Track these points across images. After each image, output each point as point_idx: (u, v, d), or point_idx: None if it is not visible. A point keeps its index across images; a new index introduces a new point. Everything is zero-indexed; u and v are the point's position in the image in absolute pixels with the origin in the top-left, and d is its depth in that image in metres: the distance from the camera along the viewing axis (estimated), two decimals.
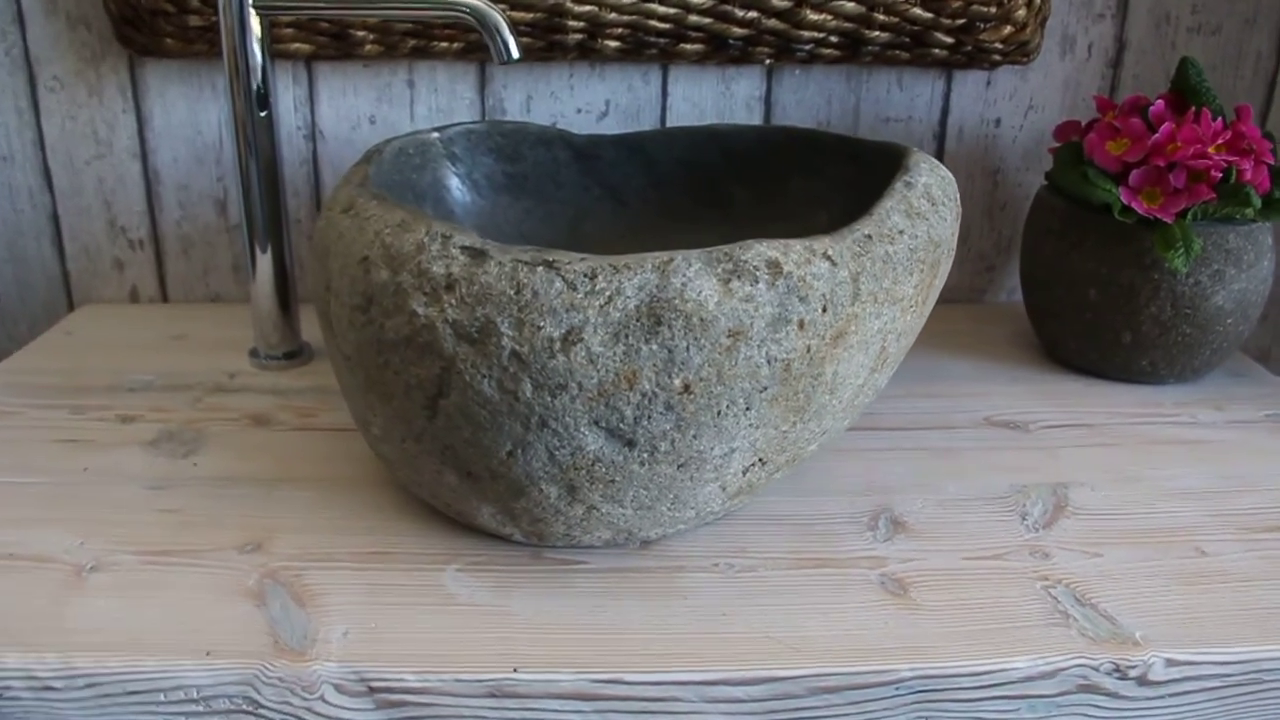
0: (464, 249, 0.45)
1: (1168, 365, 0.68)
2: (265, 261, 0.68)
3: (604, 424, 0.44)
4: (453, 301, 0.44)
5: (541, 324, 0.43)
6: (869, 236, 0.49)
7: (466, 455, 0.47)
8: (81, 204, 0.78)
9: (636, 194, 0.70)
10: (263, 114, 0.66)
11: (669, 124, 0.78)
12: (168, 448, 0.60)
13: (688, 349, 0.43)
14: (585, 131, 0.78)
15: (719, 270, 0.44)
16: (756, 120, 0.78)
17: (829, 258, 0.47)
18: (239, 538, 0.52)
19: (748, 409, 0.46)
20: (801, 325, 0.46)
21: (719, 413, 0.45)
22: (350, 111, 0.77)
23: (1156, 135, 0.63)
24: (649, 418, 0.44)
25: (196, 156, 0.77)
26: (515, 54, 0.60)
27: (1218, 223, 0.64)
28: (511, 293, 0.43)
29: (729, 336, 0.44)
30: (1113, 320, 0.67)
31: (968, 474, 0.59)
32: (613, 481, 0.46)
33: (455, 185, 0.67)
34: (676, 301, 0.43)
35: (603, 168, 0.69)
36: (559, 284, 0.43)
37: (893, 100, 0.78)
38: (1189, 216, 0.63)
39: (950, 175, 0.57)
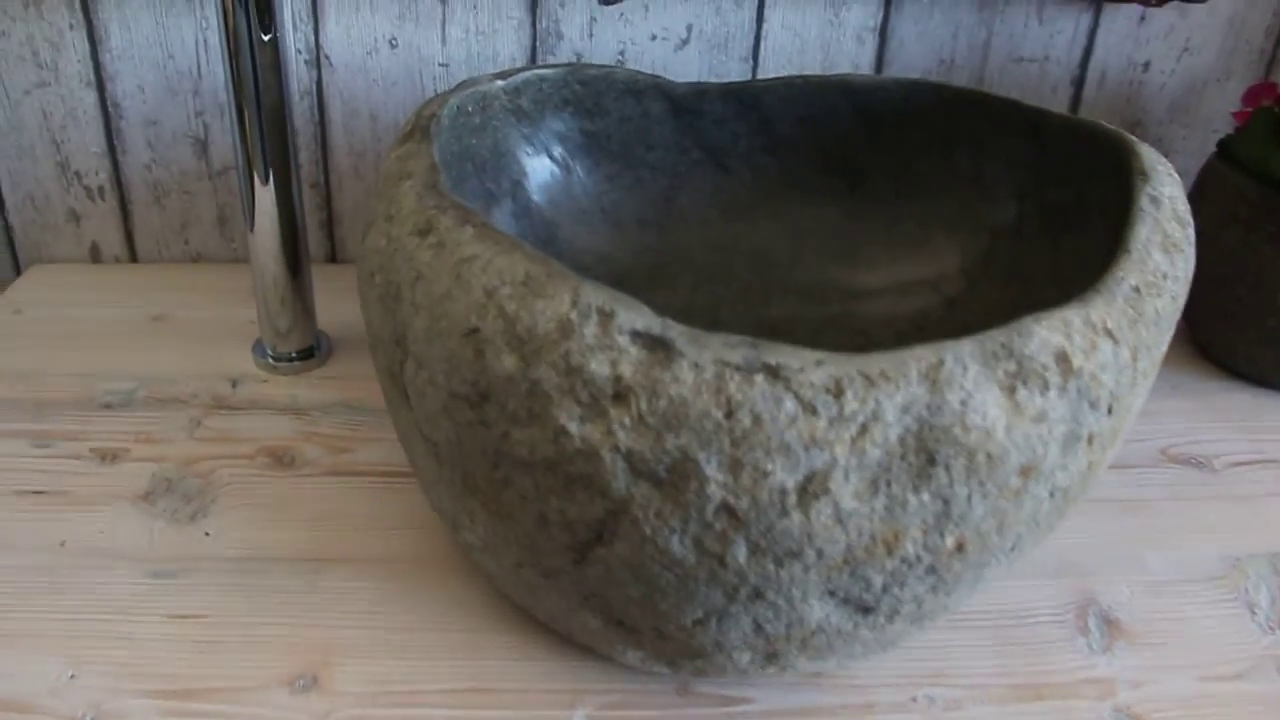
0: (637, 336, 0.31)
1: None
2: (268, 226, 0.53)
3: (841, 594, 0.32)
4: (626, 421, 0.31)
5: (769, 467, 0.30)
6: (1137, 290, 0.37)
7: (625, 610, 0.35)
8: (22, 143, 0.61)
9: (744, 159, 0.56)
10: (267, 37, 0.50)
11: (763, 55, 0.63)
12: (167, 505, 0.47)
13: (969, 498, 0.31)
14: (659, 62, 0.63)
15: (1000, 374, 0.31)
16: (868, 54, 0.64)
17: (1110, 334, 0.34)
18: (287, 665, 0.39)
19: (1013, 550, 0.34)
20: (1090, 441, 0.34)
21: (984, 565, 0.33)
22: (365, 32, 0.60)
23: None
24: (902, 585, 0.32)
25: (168, 86, 0.61)
26: None
27: None
28: (720, 416, 0.30)
29: (1020, 475, 0.32)
30: None
31: (1168, 539, 0.48)
32: (829, 647, 0.34)
33: (523, 150, 0.53)
34: (956, 430, 0.30)
35: (706, 126, 0.55)
36: (791, 406, 0.30)
37: (1029, 36, 0.64)
38: None
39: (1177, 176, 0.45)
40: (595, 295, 0.32)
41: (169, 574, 0.43)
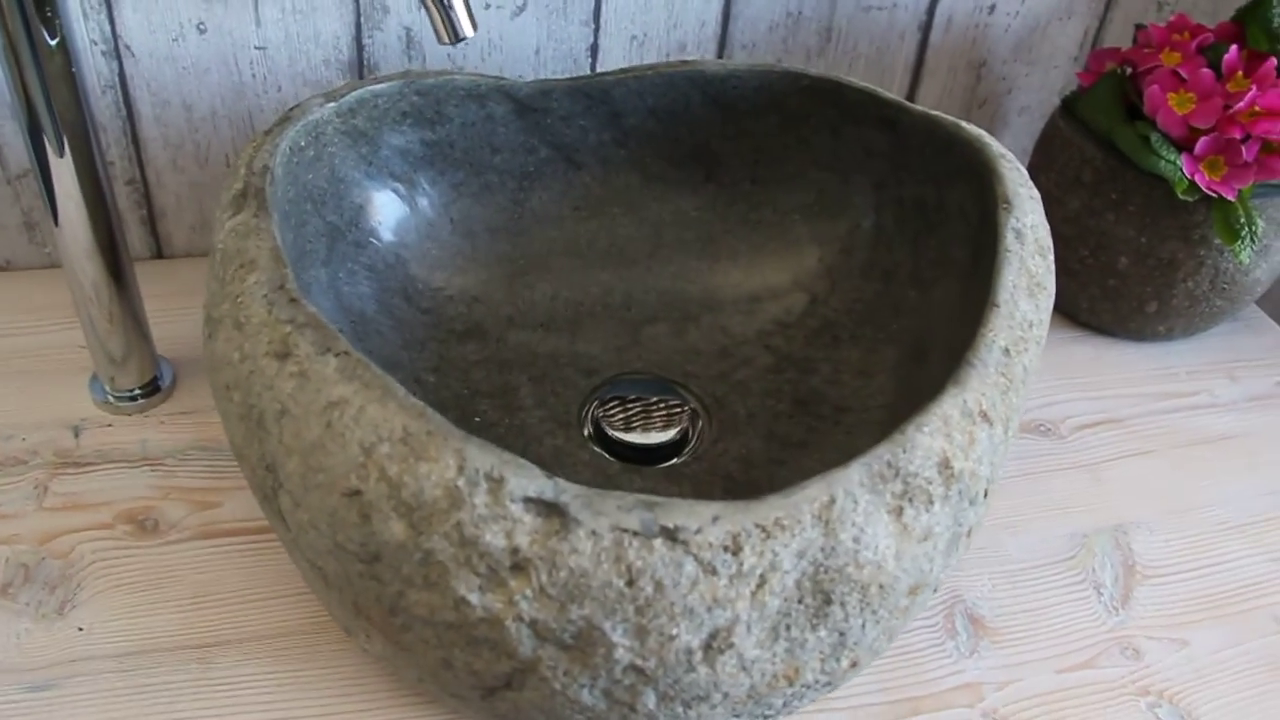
0: (530, 503, 0.31)
1: (1184, 329, 0.62)
2: (78, 234, 0.48)
3: (745, 715, 0.34)
4: (528, 593, 0.31)
5: (674, 631, 0.31)
6: (1007, 353, 0.38)
7: None
8: None
9: (595, 153, 0.54)
10: (52, 39, 0.44)
11: (605, 17, 0.60)
12: (30, 598, 0.45)
13: (863, 625, 0.33)
14: (495, 32, 0.59)
15: (888, 497, 0.33)
16: (715, 10, 0.61)
17: (985, 416, 0.36)
18: None
19: (890, 639, 0.36)
20: (969, 533, 0.36)
21: (873, 661, 0.35)
22: (167, 17, 0.54)
23: (1237, 101, 0.52)
24: (801, 698, 0.34)
25: None
26: (468, 31, 0.42)
27: (1271, 190, 0.56)
28: (621, 585, 0.30)
29: (910, 595, 0.33)
30: (1141, 291, 0.59)
31: (1022, 521, 0.52)
32: None
33: (361, 172, 0.49)
34: (850, 569, 0.32)
35: (553, 123, 0.53)
36: (691, 568, 0.30)
37: None
38: (1248, 191, 0.55)
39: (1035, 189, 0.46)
40: (482, 459, 0.31)
41: (47, 686, 0.42)
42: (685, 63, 0.52)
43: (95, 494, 0.49)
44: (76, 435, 0.52)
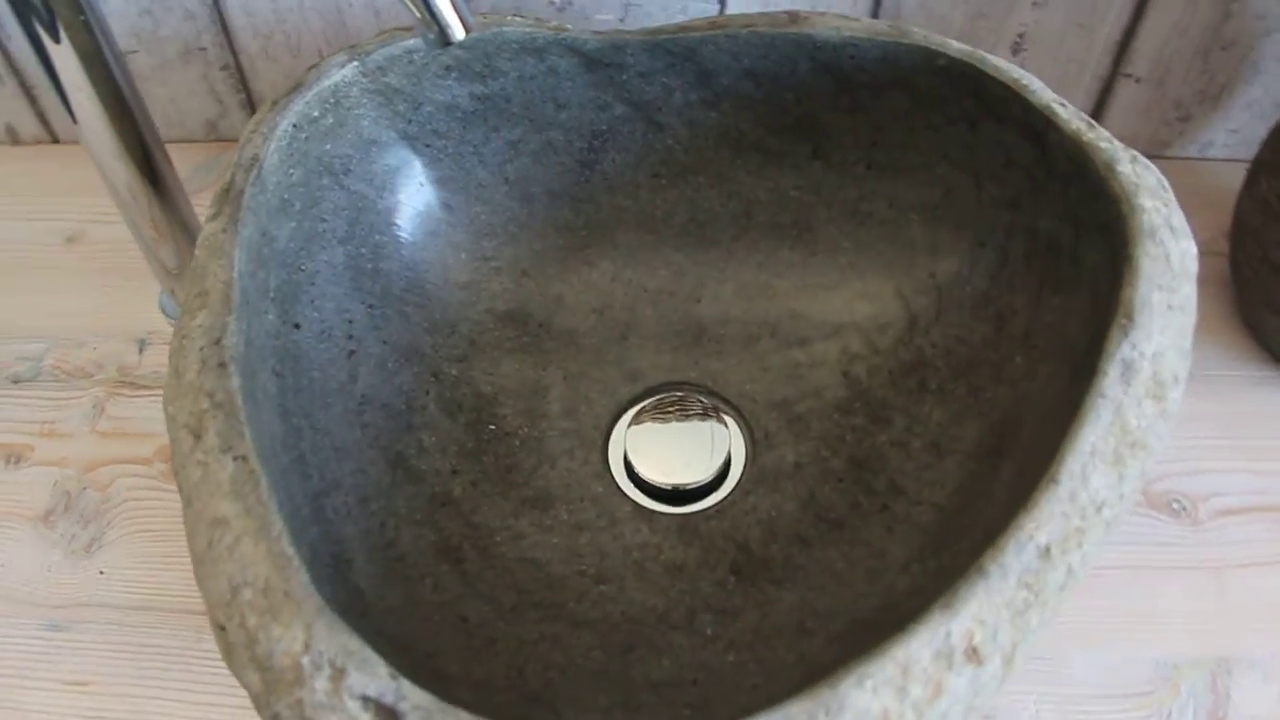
0: (368, 703, 0.28)
1: None
2: (99, 132, 0.43)
3: None
4: None
5: None
6: (1046, 553, 0.30)
7: None
8: None
9: (681, 114, 0.45)
10: None
11: None
12: (66, 529, 0.47)
13: None
14: None
15: None
16: None
17: (975, 654, 0.29)
18: None
19: None
20: None
21: None
22: None
23: None
24: None
25: None
26: (458, 34, 0.35)
27: None
28: None
29: None
30: None
31: (1101, 627, 0.43)
32: None
33: (394, 137, 0.44)
34: None
35: (628, 79, 0.44)
36: None
37: None
38: None
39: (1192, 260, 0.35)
40: (329, 642, 0.28)
41: (63, 626, 0.44)
42: (792, 19, 0.42)
43: (143, 423, 0.50)
44: (140, 350, 0.52)
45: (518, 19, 0.43)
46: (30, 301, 0.54)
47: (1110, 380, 0.32)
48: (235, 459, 0.32)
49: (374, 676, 0.28)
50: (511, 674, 0.36)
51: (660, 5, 0.53)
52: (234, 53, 0.56)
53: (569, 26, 0.43)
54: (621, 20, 0.53)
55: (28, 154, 0.61)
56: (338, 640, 0.28)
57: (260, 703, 0.29)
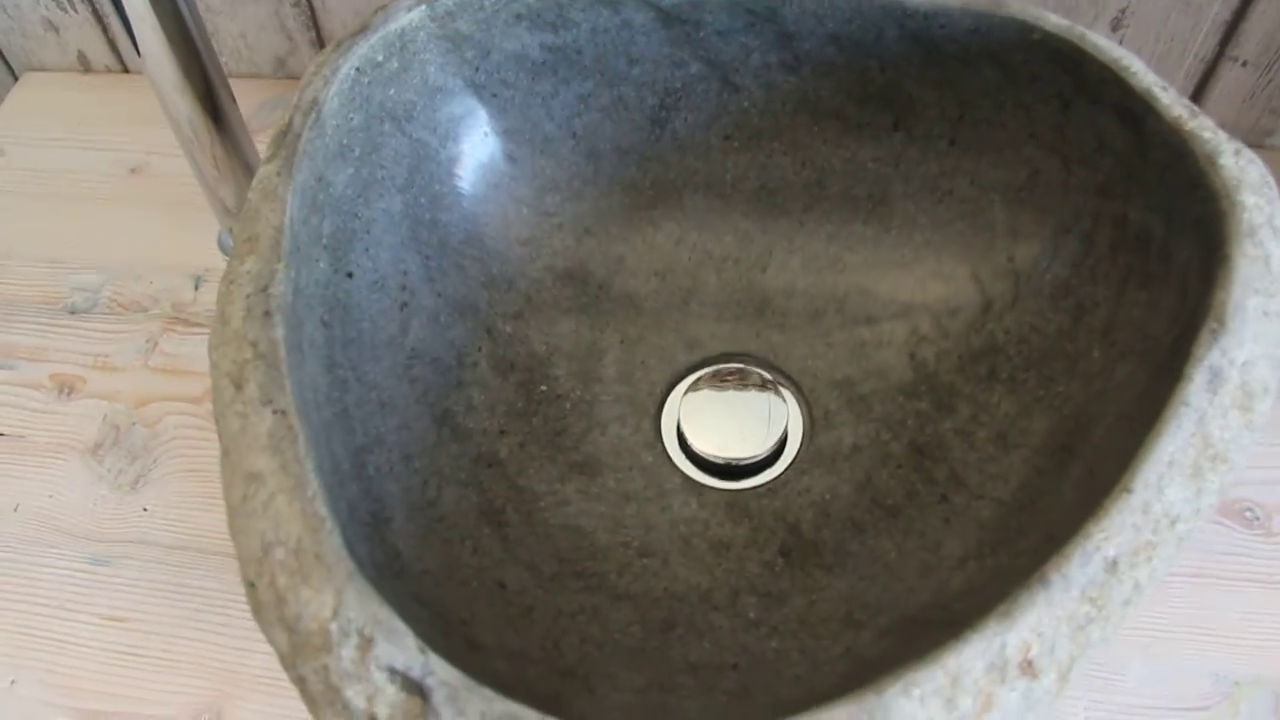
0: (395, 675, 0.27)
1: None
2: (163, 65, 0.42)
3: None
4: None
5: None
6: (1114, 566, 0.28)
7: None
8: None
9: (758, 76, 0.44)
10: None
11: None
12: (114, 464, 0.47)
13: None
14: None
15: None
16: None
17: (1030, 668, 0.27)
18: (194, 695, 0.41)
19: None
20: None
21: None
22: None
23: None
24: None
25: None
26: None
27: None
28: None
29: None
30: None
31: (1164, 636, 0.41)
32: None
33: (460, 84, 0.43)
34: None
35: (705, 37, 0.43)
36: None
37: None
38: None
39: None
40: (358, 610, 0.28)
41: (106, 561, 0.44)
42: None
43: (194, 361, 0.50)
44: (196, 287, 0.52)
45: None
46: (91, 232, 0.54)
47: (1195, 387, 0.30)
48: (275, 413, 0.31)
49: (402, 649, 0.27)
50: (547, 645, 0.35)
51: None
52: None
53: None
54: None
55: (98, 82, 0.61)
56: (367, 608, 0.28)
57: (287, 663, 0.29)
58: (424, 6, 0.40)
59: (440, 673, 0.27)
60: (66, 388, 0.49)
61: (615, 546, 0.40)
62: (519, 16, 0.42)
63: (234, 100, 0.46)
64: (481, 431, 0.41)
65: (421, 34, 0.41)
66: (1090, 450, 0.35)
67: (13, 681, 0.41)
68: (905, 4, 0.40)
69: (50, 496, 0.46)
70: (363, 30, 0.39)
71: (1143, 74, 0.37)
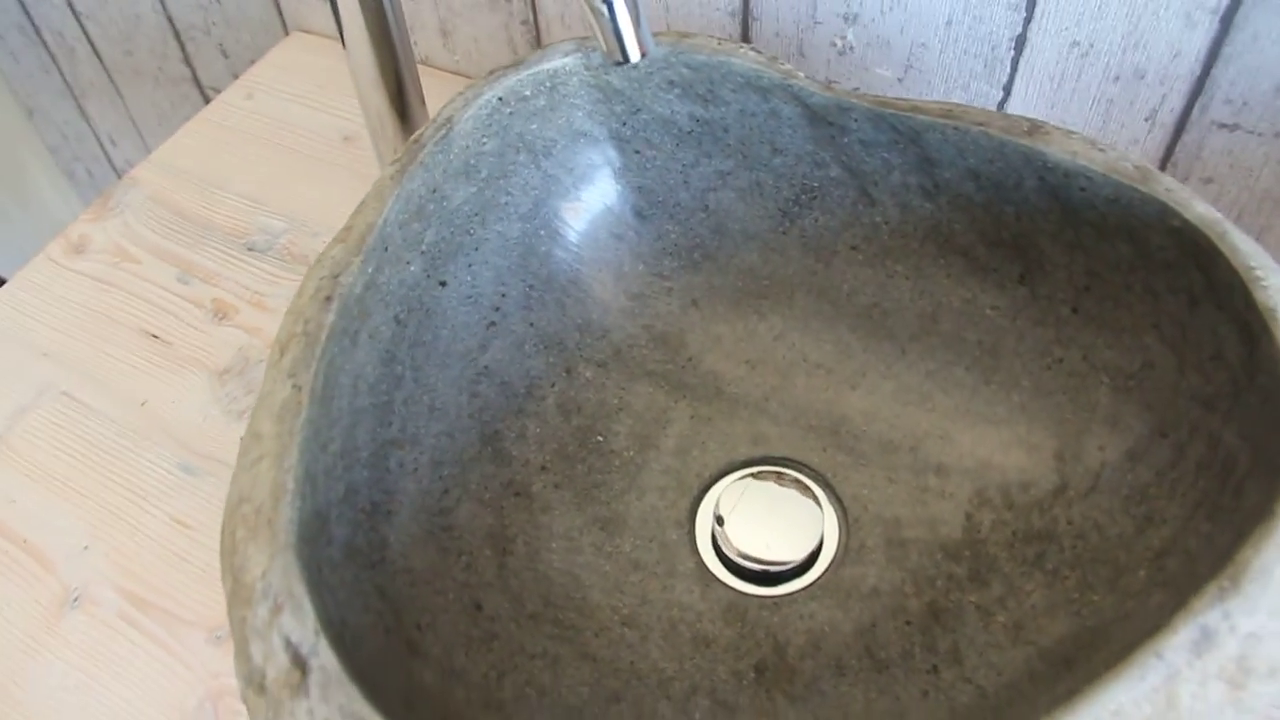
0: (289, 646, 0.29)
1: None
2: (363, 61, 0.47)
3: None
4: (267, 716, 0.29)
5: None
6: None
7: None
8: None
9: (896, 195, 0.43)
10: None
11: (1041, 7, 0.45)
12: (232, 390, 0.52)
13: None
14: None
15: None
16: (1199, 42, 0.43)
17: None
18: (220, 612, 0.45)
19: None
20: None
21: None
22: None
23: None
24: None
25: None
26: (633, 55, 0.35)
27: None
28: None
29: None
30: None
31: None
32: None
33: (604, 134, 0.44)
34: None
35: (850, 144, 0.42)
36: None
37: None
38: None
39: None
40: (280, 578, 0.30)
41: (193, 471, 0.49)
42: (1032, 130, 0.38)
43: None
44: None
45: (751, 53, 0.42)
46: (291, 183, 0.60)
47: (1176, 642, 0.27)
48: (294, 386, 0.33)
49: (301, 624, 0.29)
50: (490, 676, 0.36)
51: (942, 76, 0.49)
52: (534, 11, 0.58)
53: (799, 73, 0.41)
54: (900, 80, 0.51)
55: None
56: (287, 580, 0.30)
57: (228, 604, 0.31)
58: (580, 54, 0.42)
59: (323, 657, 0.28)
60: (221, 313, 0.54)
61: (604, 608, 0.40)
62: (671, 83, 0.43)
63: (423, 102, 0.50)
64: (524, 461, 0.43)
65: (574, 79, 0.43)
66: (1084, 672, 0.32)
67: (86, 547, 0.46)
68: (1047, 155, 0.38)
69: (172, 402, 0.51)
70: (515, 65, 0.42)
71: (1274, 290, 0.33)
